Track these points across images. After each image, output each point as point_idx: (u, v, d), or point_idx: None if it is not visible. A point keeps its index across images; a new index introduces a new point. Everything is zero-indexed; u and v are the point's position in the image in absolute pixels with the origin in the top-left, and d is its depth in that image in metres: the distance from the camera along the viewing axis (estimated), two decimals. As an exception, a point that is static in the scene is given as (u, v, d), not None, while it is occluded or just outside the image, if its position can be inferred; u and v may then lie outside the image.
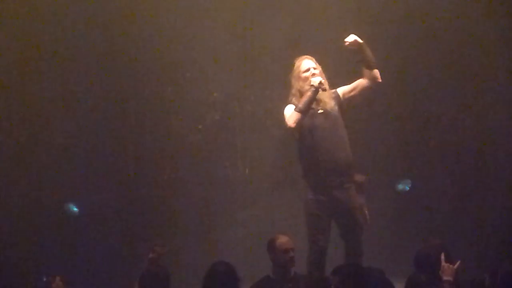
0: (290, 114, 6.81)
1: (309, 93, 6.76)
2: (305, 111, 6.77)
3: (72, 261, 9.00)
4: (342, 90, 7.10)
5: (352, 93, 7.07)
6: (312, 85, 6.77)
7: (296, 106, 6.79)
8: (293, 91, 7.01)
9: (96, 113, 9.53)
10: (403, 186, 9.43)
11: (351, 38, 6.89)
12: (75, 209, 9.37)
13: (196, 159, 9.65)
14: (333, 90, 7.04)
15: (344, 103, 7.06)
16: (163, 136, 9.69)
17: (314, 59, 6.99)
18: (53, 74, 9.41)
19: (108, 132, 9.56)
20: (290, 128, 6.80)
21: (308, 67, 6.96)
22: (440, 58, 9.40)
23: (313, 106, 6.89)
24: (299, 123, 6.77)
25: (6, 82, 9.21)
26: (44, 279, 7.29)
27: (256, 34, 9.52)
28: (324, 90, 6.84)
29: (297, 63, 7.02)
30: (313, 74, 6.88)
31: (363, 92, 7.07)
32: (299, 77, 6.97)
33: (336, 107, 7.00)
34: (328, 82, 6.99)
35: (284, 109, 6.92)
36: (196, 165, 9.65)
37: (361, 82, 7.04)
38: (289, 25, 9.41)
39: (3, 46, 9.13)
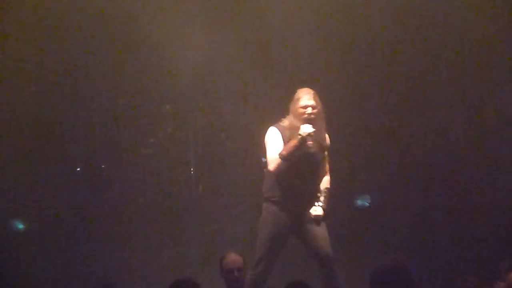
0: (273, 158, 6.74)
1: (295, 142, 6.68)
2: (289, 160, 6.71)
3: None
4: (328, 146, 7.08)
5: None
6: (300, 134, 6.65)
7: (281, 152, 6.71)
8: (289, 116, 6.92)
9: (42, 125, 9.31)
10: (363, 201, 9.40)
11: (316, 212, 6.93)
12: (21, 226, 9.18)
13: (148, 174, 9.47)
14: (325, 135, 7.02)
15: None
16: (113, 150, 9.49)
17: (316, 96, 6.88)
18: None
19: (55, 145, 9.32)
20: (268, 170, 6.81)
21: (306, 105, 6.80)
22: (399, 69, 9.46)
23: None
24: (280, 170, 6.73)
25: None
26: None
27: (213, 43, 9.35)
28: (311, 141, 6.79)
29: (298, 94, 6.88)
30: (309, 117, 6.73)
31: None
32: (295, 111, 6.83)
33: (320, 150, 6.97)
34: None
35: (267, 130, 6.90)
36: (148, 181, 9.48)
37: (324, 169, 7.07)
38: (248, 33, 9.41)
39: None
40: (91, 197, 9.35)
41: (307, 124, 6.68)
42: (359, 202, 9.39)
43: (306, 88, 6.87)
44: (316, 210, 6.86)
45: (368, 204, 9.36)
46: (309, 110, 6.74)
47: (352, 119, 9.44)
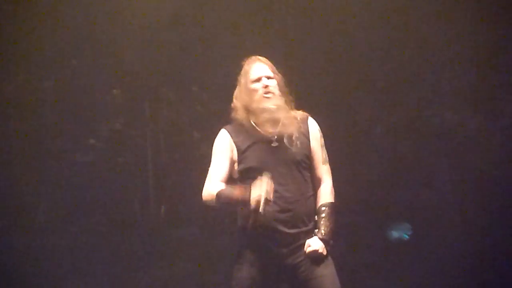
0: (211, 189, 5.74)
1: (239, 200, 5.58)
2: (221, 207, 5.80)
3: None
4: (314, 131, 5.83)
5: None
6: (251, 206, 5.50)
7: (219, 194, 5.68)
8: (235, 102, 5.86)
9: None
10: (400, 233, 8.42)
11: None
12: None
13: (87, 190, 8.31)
14: (305, 116, 5.88)
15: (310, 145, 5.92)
16: (36, 157, 8.31)
17: (270, 63, 5.86)
18: None
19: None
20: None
21: (259, 76, 5.73)
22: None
23: (268, 135, 5.75)
24: (209, 206, 5.77)
25: None
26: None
27: (179, 17, 8.46)
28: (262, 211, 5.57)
29: (246, 67, 5.90)
30: (267, 91, 5.69)
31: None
32: (246, 88, 5.79)
33: (299, 142, 5.74)
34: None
35: (219, 132, 5.82)
36: (88, 199, 8.30)
37: (317, 173, 5.78)
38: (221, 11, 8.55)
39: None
40: (4, 225, 8.23)
41: (262, 183, 5.44)
42: (395, 234, 8.43)
43: (255, 56, 5.92)
44: (311, 243, 5.63)
45: (407, 237, 8.40)
46: (265, 81, 5.67)
47: (382, 116, 8.52)
